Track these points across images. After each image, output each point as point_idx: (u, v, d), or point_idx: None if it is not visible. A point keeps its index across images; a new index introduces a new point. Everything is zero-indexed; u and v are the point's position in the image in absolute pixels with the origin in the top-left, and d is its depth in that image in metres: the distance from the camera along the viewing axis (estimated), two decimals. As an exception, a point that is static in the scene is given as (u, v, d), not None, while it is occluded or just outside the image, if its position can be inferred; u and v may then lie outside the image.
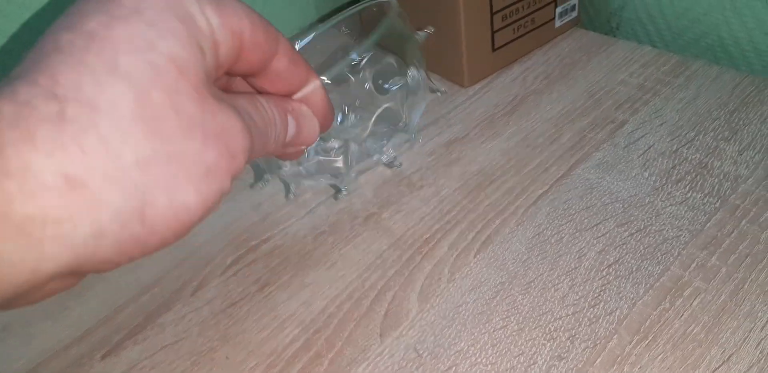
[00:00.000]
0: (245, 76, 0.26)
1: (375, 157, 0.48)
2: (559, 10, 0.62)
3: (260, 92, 0.27)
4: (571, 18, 0.64)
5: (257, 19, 0.23)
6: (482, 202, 0.47)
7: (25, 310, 0.42)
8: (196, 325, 0.41)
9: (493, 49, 0.58)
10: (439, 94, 0.42)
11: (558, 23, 0.63)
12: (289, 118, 0.27)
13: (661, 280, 0.40)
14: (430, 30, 0.43)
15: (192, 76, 0.21)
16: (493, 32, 0.57)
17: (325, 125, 0.29)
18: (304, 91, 0.27)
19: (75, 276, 0.21)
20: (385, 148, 0.46)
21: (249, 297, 0.42)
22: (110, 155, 0.19)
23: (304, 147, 0.29)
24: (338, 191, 0.49)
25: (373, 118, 0.42)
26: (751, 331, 0.36)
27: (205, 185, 0.21)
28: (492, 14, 0.56)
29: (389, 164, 0.50)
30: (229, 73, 0.25)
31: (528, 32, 0.60)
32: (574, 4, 0.63)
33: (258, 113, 0.24)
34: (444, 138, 0.53)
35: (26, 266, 0.18)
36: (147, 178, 0.20)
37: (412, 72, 0.44)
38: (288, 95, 0.27)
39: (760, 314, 0.37)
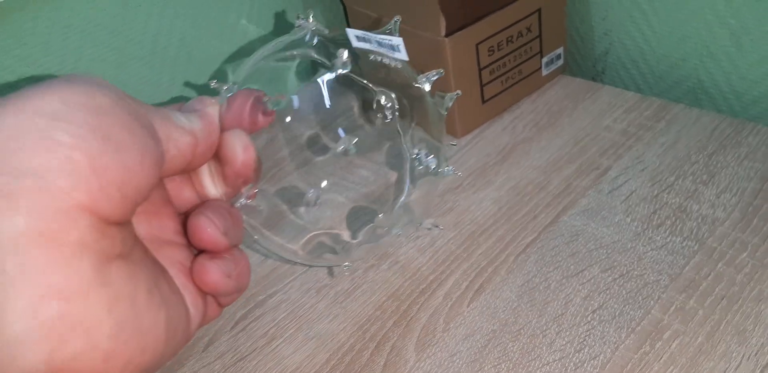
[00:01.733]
0: None
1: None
2: (545, 60, 0.65)
3: None
4: (557, 66, 0.67)
5: None
6: (475, 251, 0.50)
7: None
8: (209, 379, 0.44)
9: (483, 101, 0.61)
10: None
11: (545, 72, 0.66)
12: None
13: (642, 324, 0.42)
14: (456, 94, 0.43)
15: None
16: (482, 86, 0.60)
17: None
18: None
19: None
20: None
21: (257, 351, 0.45)
22: None
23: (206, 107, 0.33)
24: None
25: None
26: (725, 371, 0.39)
27: None
28: (480, 69, 0.59)
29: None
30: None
31: (516, 83, 0.64)
32: (560, 53, 0.67)
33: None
34: (438, 188, 0.56)
35: None
36: None
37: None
38: None
39: (734, 354, 0.39)
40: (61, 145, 0.23)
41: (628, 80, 0.70)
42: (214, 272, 0.31)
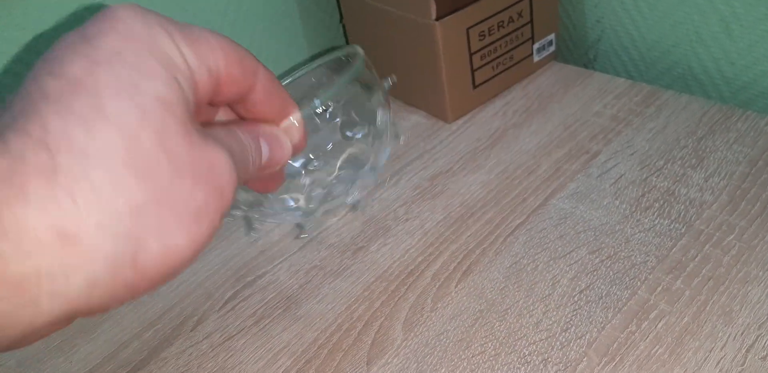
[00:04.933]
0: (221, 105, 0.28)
1: (340, 200, 0.50)
2: (536, 46, 0.65)
3: (237, 117, 0.29)
4: (548, 53, 0.67)
5: (233, 52, 0.24)
6: (464, 233, 0.50)
7: (38, 348, 0.45)
8: (196, 358, 0.44)
9: (474, 87, 0.61)
10: (400, 141, 0.46)
11: (536, 58, 0.66)
12: (262, 142, 0.27)
13: (628, 304, 0.42)
14: (393, 79, 0.48)
15: (178, 115, 0.21)
16: (472, 71, 0.60)
17: (299, 147, 0.30)
18: (284, 124, 0.29)
19: (68, 320, 0.21)
20: (350, 191, 0.49)
21: (245, 330, 0.45)
22: (103, 205, 0.19)
23: (277, 167, 0.29)
24: (302, 228, 0.53)
25: (339, 163, 0.45)
26: (711, 351, 0.39)
27: (196, 226, 0.21)
28: (471, 54, 0.59)
29: (353, 207, 0.53)
30: (211, 104, 0.26)
31: (507, 69, 0.64)
32: (551, 40, 0.67)
33: (236, 144, 0.25)
34: (429, 172, 0.56)
35: (23, 321, 0.19)
36: (139, 225, 0.20)
37: (379, 117, 0.47)
38: (263, 121, 0.28)
39: (720, 334, 0.40)
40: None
41: (619, 67, 0.70)
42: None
